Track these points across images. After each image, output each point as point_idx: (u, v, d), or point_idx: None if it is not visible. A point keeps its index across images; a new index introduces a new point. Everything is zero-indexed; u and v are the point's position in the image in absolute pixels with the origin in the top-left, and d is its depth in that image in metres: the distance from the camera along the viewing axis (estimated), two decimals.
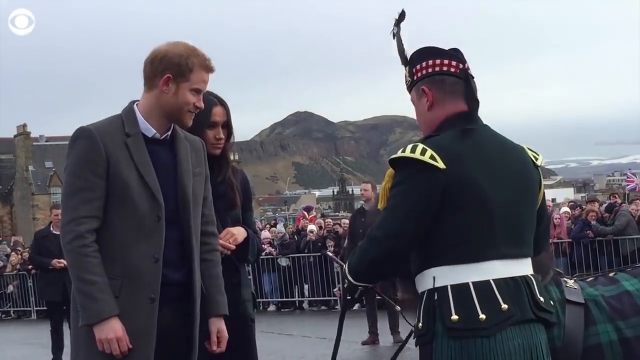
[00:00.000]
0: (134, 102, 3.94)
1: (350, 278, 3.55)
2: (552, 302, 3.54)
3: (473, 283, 3.27)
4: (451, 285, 3.28)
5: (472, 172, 3.30)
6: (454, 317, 3.25)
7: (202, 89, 3.91)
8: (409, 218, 3.30)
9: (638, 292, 4.28)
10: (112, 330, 3.65)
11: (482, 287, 3.27)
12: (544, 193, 3.63)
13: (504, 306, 3.26)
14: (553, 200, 39.00)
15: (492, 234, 3.31)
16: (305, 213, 24.66)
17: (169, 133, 3.96)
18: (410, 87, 3.59)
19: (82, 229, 3.68)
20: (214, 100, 4.54)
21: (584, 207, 19.72)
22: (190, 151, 4.01)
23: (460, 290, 3.27)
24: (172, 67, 3.80)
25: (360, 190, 13.73)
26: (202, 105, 3.93)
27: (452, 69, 3.49)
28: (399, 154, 3.37)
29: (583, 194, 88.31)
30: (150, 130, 3.89)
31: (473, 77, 3.52)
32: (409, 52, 3.60)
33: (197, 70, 3.84)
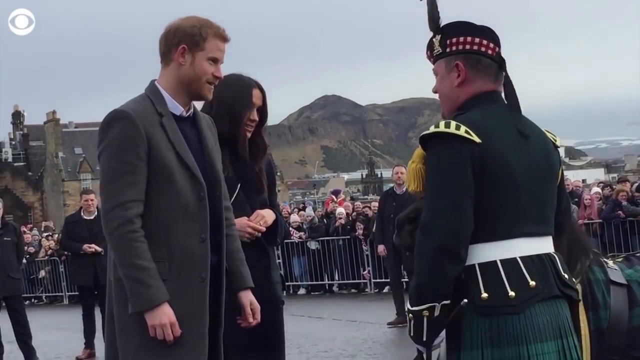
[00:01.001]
0: (154, 80, 3.91)
1: (411, 305, 3.26)
2: (574, 280, 3.53)
3: (501, 261, 3.25)
4: (479, 264, 3.26)
5: (502, 149, 3.28)
6: (484, 295, 3.23)
7: (219, 58, 3.87)
8: (462, 192, 3.21)
9: None
10: (165, 316, 3.61)
11: (510, 264, 3.26)
12: (562, 174, 3.61)
13: (532, 283, 3.25)
14: (583, 181, 38.72)
15: (519, 212, 3.29)
16: (334, 197, 24.62)
17: (192, 110, 3.95)
18: (438, 58, 3.52)
19: (129, 214, 3.63)
20: (253, 82, 4.58)
21: (614, 186, 19.57)
22: (208, 128, 4.01)
23: (489, 268, 3.25)
24: (186, 38, 3.79)
25: (395, 173, 13.65)
26: (220, 74, 3.90)
27: (490, 51, 3.45)
28: (433, 129, 3.29)
29: (614, 175, 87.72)
30: (178, 108, 3.86)
31: (505, 62, 3.48)
32: (442, 20, 3.51)
33: (211, 38, 3.82)
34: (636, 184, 19.45)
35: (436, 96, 3.59)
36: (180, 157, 3.74)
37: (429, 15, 3.52)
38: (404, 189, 12.92)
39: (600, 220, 17.16)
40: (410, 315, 3.29)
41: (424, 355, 3.34)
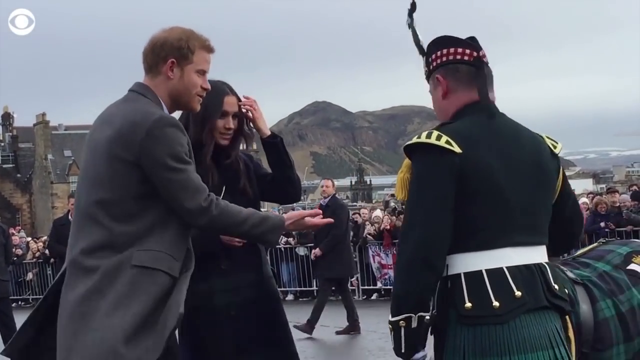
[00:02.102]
0: (145, 86, 3.84)
1: (391, 316, 3.32)
2: (566, 290, 3.52)
3: (486, 270, 3.27)
4: (464, 273, 3.28)
5: (487, 158, 3.29)
6: (468, 304, 3.25)
7: (206, 69, 3.89)
8: (437, 204, 3.25)
9: (612, 272, 4.48)
10: (295, 224, 4.03)
11: (495, 274, 3.26)
12: (565, 179, 3.59)
13: (518, 293, 3.25)
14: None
15: (506, 221, 3.30)
16: None
17: None
18: (427, 77, 3.58)
19: (213, 195, 3.75)
20: (226, 89, 4.54)
21: (603, 195, 19.62)
22: None
23: (474, 277, 3.27)
24: (174, 52, 3.78)
25: (322, 187, 14.35)
26: (208, 86, 3.91)
27: (466, 57, 3.47)
28: (414, 140, 3.35)
29: (602, 185, 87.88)
30: None
31: (487, 64, 3.51)
32: (425, 42, 3.59)
33: (199, 51, 3.83)
34: (630, 193, 19.48)
35: (425, 104, 3.65)
36: None
37: (413, 41, 3.61)
38: (326, 201, 13.80)
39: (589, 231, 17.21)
40: (390, 326, 3.34)
41: None
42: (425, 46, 3.59)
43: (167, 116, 3.71)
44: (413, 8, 3.60)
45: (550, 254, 3.60)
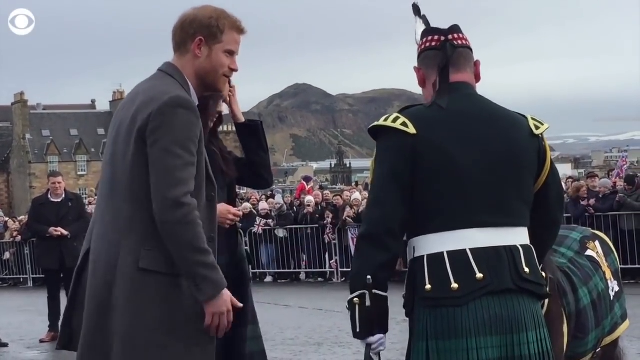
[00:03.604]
0: (176, 67, 3.73)
1: (349, 297, 3.38)
2: (543, 274, 3.48)
3: (448, 252, 3.27)
4: (427, 255, 3.30)
5: (441, 139, 3.32)
6: (428, 286, 3.27)
7: (235, 50, 3.78)
8: (388, 184, 3.32)
9: (577, 258, 4.67)
10: (228, 302, 3.54)
11: (458, 256, 3.27)
12: (550, 165, 3.53)
13: (479, 275, 3.24)
14: None
15: (466, 201, 3.30)
16: (305, 183, 24.53)
17: None
18: None
19: (195, 204, 3.47)
20: None
21: (581, 180, 19.71)
22: None
23: (435, 259, 3.29)
24: (203, 30, 3.68)
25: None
26: (236, 67, 3.80)
27: (434, 43, 3.53)
28: (375, 123, 3.45)
29: (581, 170, 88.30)
30: (196, 101, 3.71)
31: (459, 46, 3.52)
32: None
33: (229, 31, 3.73)
34: (621, 176, 19.55)
35: (406, 87, 3.69)
36: (202, 155, 3.64)
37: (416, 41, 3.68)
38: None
39: (569, 215, 17.22)
40: (347, 306, 3.37)
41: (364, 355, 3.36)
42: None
43: (183, 97, 3.55)
44: (416, 12, 3.69)
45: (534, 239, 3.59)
